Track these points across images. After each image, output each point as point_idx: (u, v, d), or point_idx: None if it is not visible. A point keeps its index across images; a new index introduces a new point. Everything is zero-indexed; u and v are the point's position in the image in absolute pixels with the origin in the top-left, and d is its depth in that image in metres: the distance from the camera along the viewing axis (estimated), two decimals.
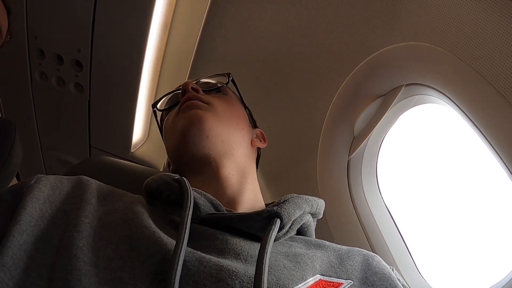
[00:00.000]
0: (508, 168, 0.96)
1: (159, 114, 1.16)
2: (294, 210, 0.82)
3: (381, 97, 1.30)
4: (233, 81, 1.12)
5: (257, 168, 1.14)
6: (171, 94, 1.13)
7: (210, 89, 1.07)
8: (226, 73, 1.11)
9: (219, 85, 1.10)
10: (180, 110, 0.97)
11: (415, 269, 1.32)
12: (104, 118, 2.22)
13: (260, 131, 1.15)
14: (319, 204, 0.94)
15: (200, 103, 0.97)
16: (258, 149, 1.12)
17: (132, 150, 2.28)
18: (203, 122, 0.92)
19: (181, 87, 1.09)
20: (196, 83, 1.06)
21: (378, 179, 1.43)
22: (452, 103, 1.06)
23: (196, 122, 0.92)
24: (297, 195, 0.89)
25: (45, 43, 1.98)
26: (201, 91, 1.02)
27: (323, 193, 1.45)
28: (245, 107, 1.13)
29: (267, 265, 0.64)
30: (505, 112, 0.91)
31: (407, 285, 0.85)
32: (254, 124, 1.15)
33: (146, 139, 2.32)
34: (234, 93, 1.15)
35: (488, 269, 1.17)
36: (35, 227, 0.64)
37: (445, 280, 1.28)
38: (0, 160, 1.19)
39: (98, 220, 0.70)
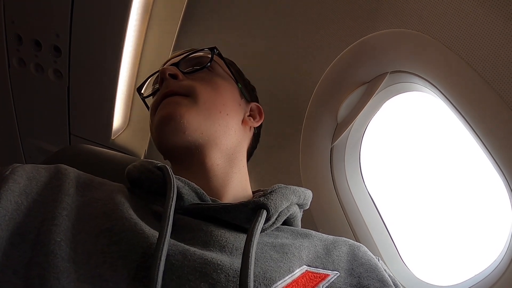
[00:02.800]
0: (492, 157, 0.96)
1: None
2: (281, 201, 0.81)
3: (365, 84, 1.28)
4: (219, 55, 1.05)
5: (255, 147, 1.11)
6: (155, 76, 1.07)
7: (193, 71, 1.00)
8: (211, 48, 1.03)
9: (198, 66, 1.01)
10: (158, 108, 0.93)
11: (399, 257, 1.32)
12: (84, 105, 2.19)
13: (256, 105, 1.09)
14: (307, 195, 0.93)
15: (177, 98, 0.91)
16: (255, 130, 1.08)
17: (112, 137, 2.25)
18: (179, 119, 0.87)
19: (167, 64, 1.05)
20: (178, 62, 1.00)
21: (361, 167, 1.43)
22: (437, 91, 1.05)
23: (171, 120, 0.88)
24: (284, 185, 0.88)
25: (22, 28, 1.93)
26: (180, 75, 0.96)
27: (306, 180, 1.44)
28: (237, 82, 1.06)
29: (253, 258, 0.63)
30: (490, 100, 0.91)
31: (392, 275, 0.84)
32: (250, 98, 1.09)
33: (127, 126, 2.29)
34: (222, 67, 1.06)
35: (472, 258, 1.17)
36: (10, 221, 0.61)
37: (429, 268, 1.28)
38: None
39: (77, 212, 0.68)
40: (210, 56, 1.02)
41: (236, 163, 0.97)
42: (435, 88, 1.05)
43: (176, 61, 1.00)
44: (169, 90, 0.93)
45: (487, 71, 0.90)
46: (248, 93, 1.09)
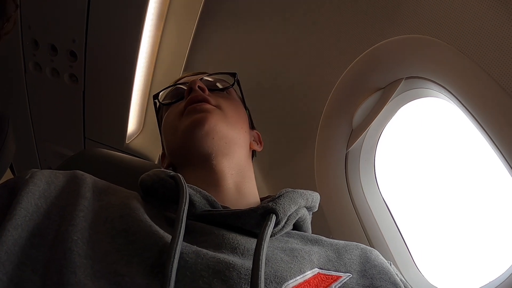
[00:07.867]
0: (508, 164, 0.95)
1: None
2: (290, 205, 0.82)
3: (380, 90, 1.29)
4: (237, 81, 1.11)
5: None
6: (173, 87, 1.11)
7: (216, 89, 1.07)
8: (232, 73, 1.11)
9: (221, 86, 1.09)
10: (186, 111, 0.97)
11: (413, 263, 1.32)
12: (99, 109, 2.21)
13: (257, 133, 1.16)
14: (314, 198, 0.94)
15: (207, 105, 0.96)
16: (253, 151, 1.13)
17: (127, 142, 2.27)
18: (211, 124, 0.92)
19: (182, 80, 1.11)
20: (200, 79, 1.05)
21: (376, 172, 1.43)
22: (453, 97, 1.05)
23: (204, 124, 0.92)
24: (292, 189, 0.89)
25: (39, 33, 1.96)
26: (207, 90, 1.01)
27: (321, 186, 1.44)
28: (246, 108, 1.13)
29: (264, 258, 0.64)
30: (506, 106, 0.90)
31: (404, 280, 0.85)
32: (252, 126, 1.15)
33: (141, 130, 2.31)
34: (237, 92, 1.14)
35: (486, 264, 1.16)
36: (30, 222, 0.64)
37: (443, 275, 1.27)
38: None
39: (93, 214, 0.71)
40: (226, 80, 1.12)
41: (247, 176, 1.01)
42: (450, 94, 1.05)
43: (191, 80, 1.05)
44: (201, 97, 0.98)
45: (503, 76, 0.89)
46: (251, 121, 1.16)
